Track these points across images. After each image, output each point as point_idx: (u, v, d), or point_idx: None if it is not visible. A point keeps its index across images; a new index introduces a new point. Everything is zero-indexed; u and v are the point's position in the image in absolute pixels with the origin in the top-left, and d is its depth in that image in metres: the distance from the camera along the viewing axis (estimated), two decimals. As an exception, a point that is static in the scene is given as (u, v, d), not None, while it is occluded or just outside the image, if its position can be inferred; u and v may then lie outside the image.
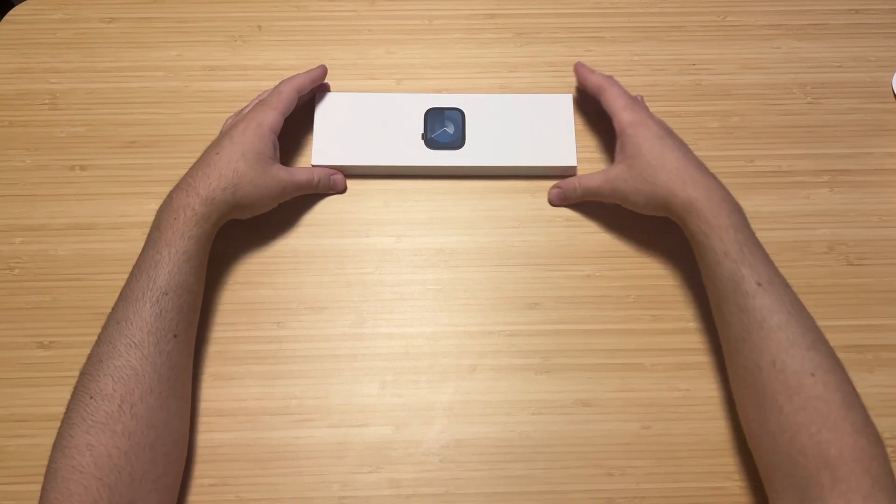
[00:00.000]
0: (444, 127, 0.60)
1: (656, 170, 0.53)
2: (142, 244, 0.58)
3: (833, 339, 0.56)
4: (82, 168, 0.62)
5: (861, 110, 0.65)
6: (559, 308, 0.57)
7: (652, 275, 0.58)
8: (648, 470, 0.52)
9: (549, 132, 0.61)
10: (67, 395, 0.53)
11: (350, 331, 0.56)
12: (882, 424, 0.53)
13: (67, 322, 0.56)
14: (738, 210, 0.51)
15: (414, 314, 0.57)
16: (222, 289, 0.57)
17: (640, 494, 0.51)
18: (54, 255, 0.58)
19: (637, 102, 0.58)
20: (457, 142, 0.60)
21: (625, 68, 0.66)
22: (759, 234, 0.60)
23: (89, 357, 0.47)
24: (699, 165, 0.54)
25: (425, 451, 0.52)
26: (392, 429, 0.53)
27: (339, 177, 0.60)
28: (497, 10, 0.69)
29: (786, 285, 0.48)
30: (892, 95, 0.66)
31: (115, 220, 0.60)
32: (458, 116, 0.60)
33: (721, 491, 0.51)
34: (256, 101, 0.59)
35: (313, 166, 0.60)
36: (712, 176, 0.53)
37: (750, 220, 0.60)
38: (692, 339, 0.56)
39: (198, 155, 0.62)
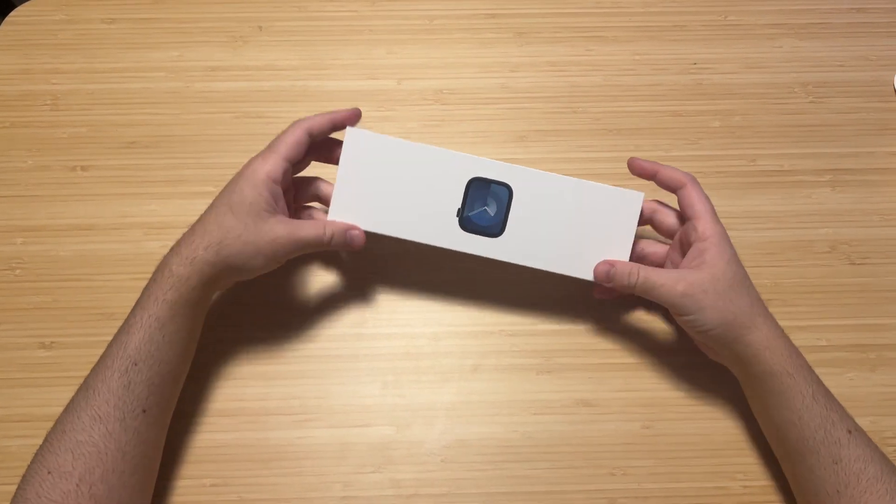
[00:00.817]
0: (484, 205, 0.51)
1: (740, 292, 0.48)
2: (143, 244, 0.59)
3: (835, 338, 0.56)
4: (83, 169, 0.62)
5: (863, 109, 0.65)
6: (560, 308, 0.57)
7: (654, 274, 0.58)
8: (650, 470, 0.52)
9: (604, 237, 0.51)
10: (69, 396, 0.53)
11: (351, 331, 0.56)
12: (884, 424, 0.54)
13: (68, 322, 0.56)
14: None
15: (415, 314, 0.57)
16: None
17: (643, 494, 0.51)
18: (55, 255, 0.58)
19: None
20: (496, 227, 0.51)
21: (626, 68, 0.66)
22: (761, 234, 0.60)
23: (57, 421, 0.44)
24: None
25: (427, 452, 0.52)
26: (394, 429, 0.53)
27: (356, 232, 0.50)
28: (498, 9, 0.69)
29: (860, 428, 0.46)
30: (894, 94, 0.65)
31: (116, 221, 0.59)
32: (504, 194, 0.51)
33: (724, 491, 0.51)
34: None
35: (329, 220, 0.51)
36: None
37: (752, 220, 0.61)
38: (694, 339, 0.56)
39: (198, 156, 0.62)
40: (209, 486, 0.51)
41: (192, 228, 0.48)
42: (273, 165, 0.48)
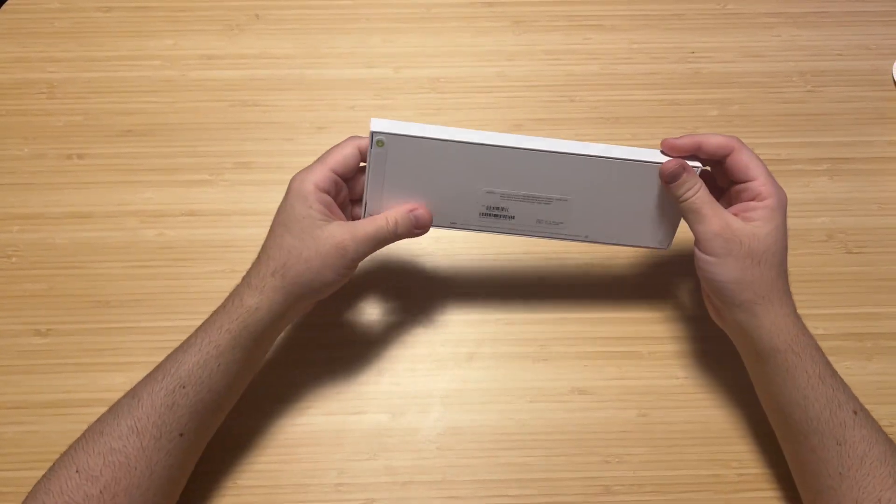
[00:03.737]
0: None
1: (770, 262, 0.45)
2: (138, 232, 0.59)
3: (832, 327, 0.56)
4: (79, 157, 0.61)
5: (861, 98, 0.65)
6: (557, 296, 0.57)
7: (650, 263, 0.58)
8: (645, 458, 0.52)
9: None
10: (64, 383, 0.53)
11: (347, 318, 0.56)
12: (881, 412, 0.53)
13: (64, 310, 0.56)
14: None
15: (411, 301, 0.57)
16: (218, 277, 0.57)
17: (638, 482, 0.51)
18: (51, 243, 0.58)
19: None
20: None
21: (623, 56, 0.66)
22: (757, 222, 0.60)
23: (97, 420, 0.43)
24: None
25: (422, 439, 0.52)
26: (389, 416, 0.53)
27: (420, 211, 0.48)
28: (495, -2, 0.69)
29: (866, 409, 0.44)
30: (892, 83, 0.65)
31: (112, 209, 0.59)
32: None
33: (719, 479, 0.51)
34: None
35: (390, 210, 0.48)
36: None
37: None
38: (690, 327, 0.56)
39: (193, 144, 0.62)
40: (205, 472, 0.51)
41: (258, 257, 0.46)
42: (320, 175, 0.45)
